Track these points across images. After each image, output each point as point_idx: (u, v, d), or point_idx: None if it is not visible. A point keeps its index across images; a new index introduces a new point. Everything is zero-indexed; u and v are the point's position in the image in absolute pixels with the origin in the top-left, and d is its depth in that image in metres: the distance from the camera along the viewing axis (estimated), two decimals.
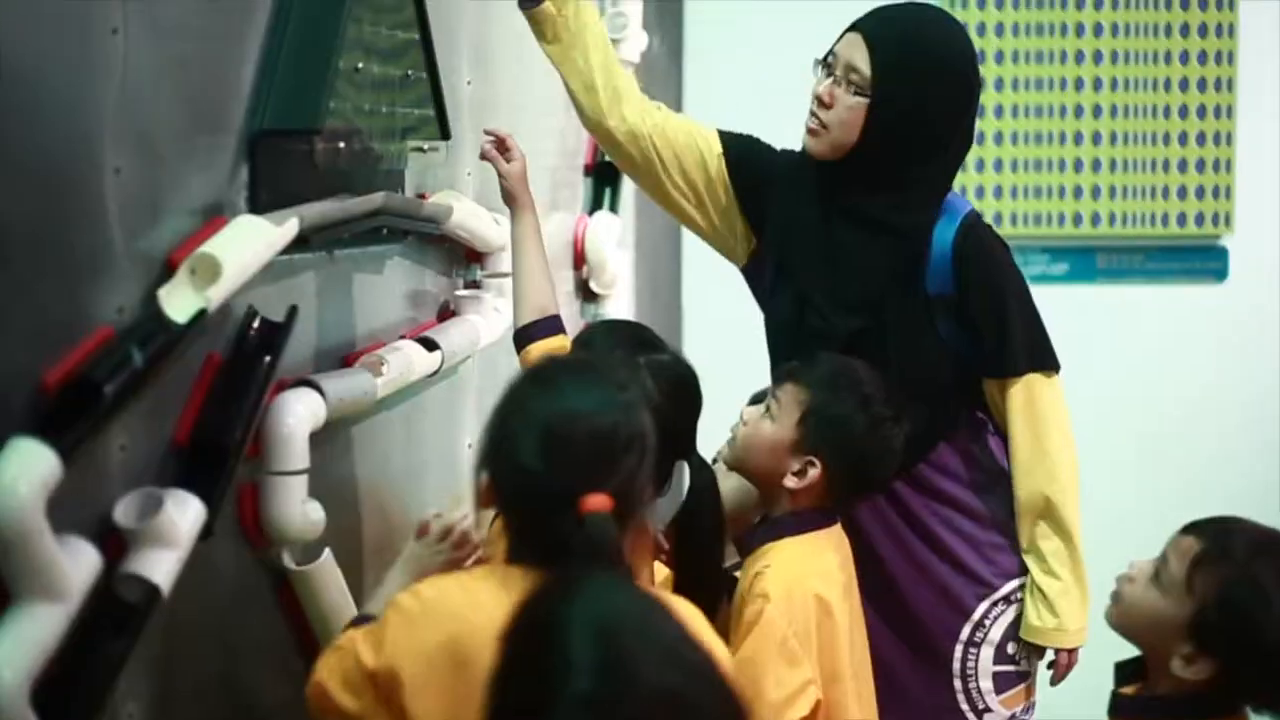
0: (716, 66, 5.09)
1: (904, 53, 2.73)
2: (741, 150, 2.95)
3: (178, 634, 2.13)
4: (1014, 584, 2.86)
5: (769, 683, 2.49)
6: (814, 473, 2.61)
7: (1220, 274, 5.09)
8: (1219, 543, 2.14)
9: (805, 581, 2.56)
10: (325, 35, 2.41)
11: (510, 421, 1.93)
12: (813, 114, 2.77)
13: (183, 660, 2.17)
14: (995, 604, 2.85)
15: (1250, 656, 2.10)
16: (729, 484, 2.75)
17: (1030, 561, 2.84)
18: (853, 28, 2.76)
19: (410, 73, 2.72)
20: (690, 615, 1.91)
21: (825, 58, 2.78)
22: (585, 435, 1.89)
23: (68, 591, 1.81)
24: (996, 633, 2.85)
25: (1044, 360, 2.82)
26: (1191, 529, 2.19)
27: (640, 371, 2.38)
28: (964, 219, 2.78)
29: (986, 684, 2.84)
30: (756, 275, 2.98)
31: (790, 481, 2.62)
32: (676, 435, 2.41)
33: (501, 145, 2.85)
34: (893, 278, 2.78)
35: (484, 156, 2.87)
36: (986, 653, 2.85)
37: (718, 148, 2.94)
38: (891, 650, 2.83)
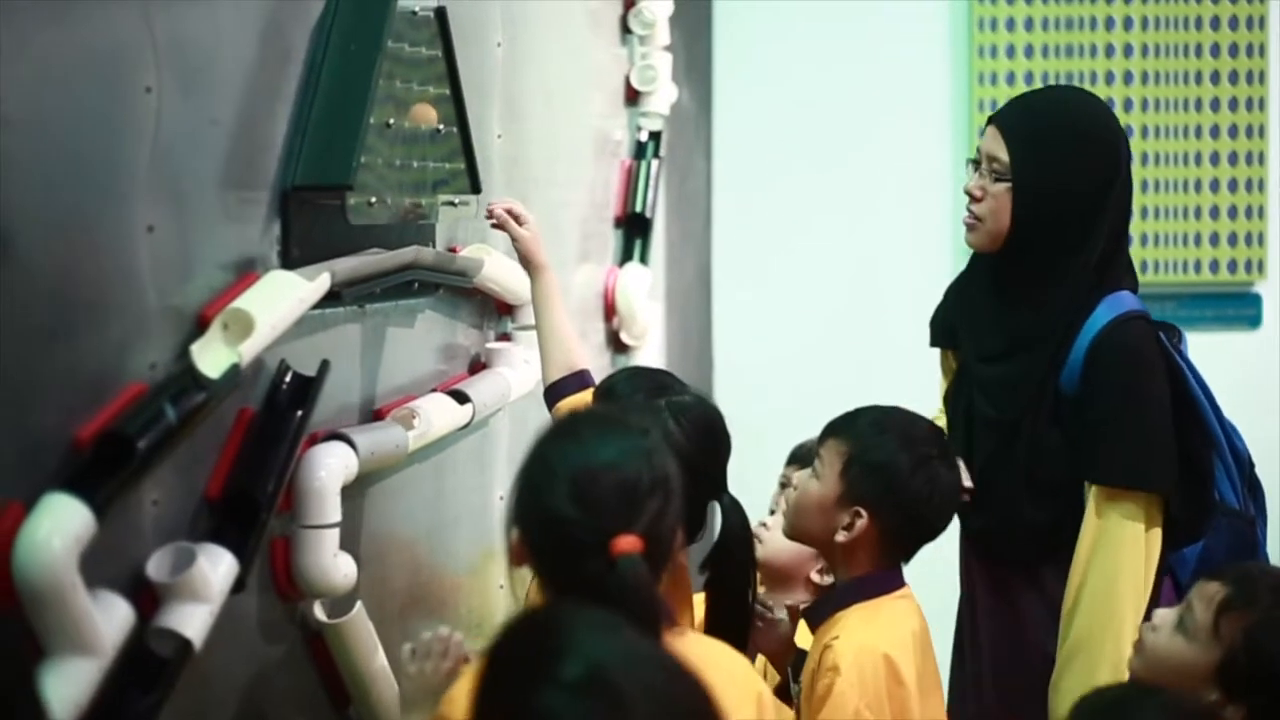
0: (746, 118, 5.11)
1: (1037, 130, 2.80)
2: (941, 328, 3.05)
3: (210, 688, 2.14)
4: None
5: None
6: (861, 523, 2.55)
7: (1254, 321, 5.07)
8: (1245, 588, 2.13)
9: (875, 647, 2.49)
10: (356, 91, 2.42)
11: (537, 475, 1.94)
12: (967, 209, 2.84)
13: (215, 714, 2.18)
14: None
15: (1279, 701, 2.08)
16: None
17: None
18: (990, 121, 2.84)
19: (441, 127, 2.74)
20: (731, 677, 1.95)
21: (974, 159, 2.86)
22: (612, 481, 1.90)
23: (100, 646, 1.82)
24: None
25: (1139, 478, 2.72)
26: (1216, 575, 2.19)
27: (662, 414, 2.41)
28: (1111, 322, 2.75)
29: None
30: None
31: (841, 536, 2.57)
32: (705, 475, 2.44)
33: (511, 212, 2.90)
34: (1040, 367, 2.78)
35: (497, 224, 2.90)
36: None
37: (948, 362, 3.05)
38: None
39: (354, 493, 2.45)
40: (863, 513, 2.56)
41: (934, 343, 3.05)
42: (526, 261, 2.93)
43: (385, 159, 2.53)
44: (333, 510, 2.34)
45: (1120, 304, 2.77)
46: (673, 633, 1.97)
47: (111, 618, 1.85)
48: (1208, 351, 4.96)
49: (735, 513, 2.58)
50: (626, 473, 1.92)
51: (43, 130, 1.83)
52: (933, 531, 2.65)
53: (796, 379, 4.93)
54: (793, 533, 2.70)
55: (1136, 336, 2.76)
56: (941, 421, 2.95)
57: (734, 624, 2.54)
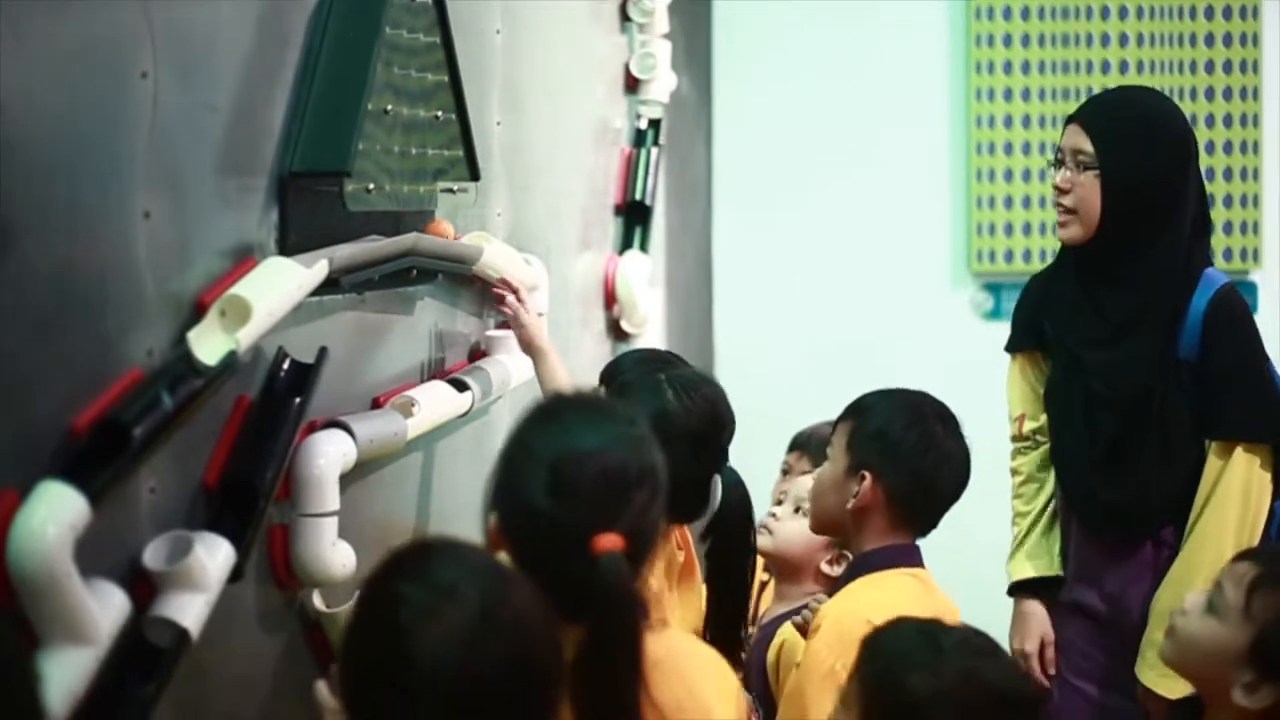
0: (745, 105, 5.10)
1: (1119, 122, 3.01)
2: (1026, 329, 3.18)
3: (207, 677, 2.12)
4: None
5: (813, 713, 2.44)
6: (865, 485, 2.59)
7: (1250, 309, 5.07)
8: (1276, 567, 2.14)
9: (858, 611, 2.46)
10: (354, 78, 2.41)
11: (517, 460, 1.86)
12: (1057, 205, 3.02)
13: (212, 704, 2.16)
14: None
15: None
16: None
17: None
18: (1070, 119, 3.03)
19: (440, 114, 2.72)
20: (711, 674, 2.00)
21: (1056, 157, 3.03)
22: (595, 472, 1.83)
23: (96, 635, 1.81)
24: None
25: (1261, 432, 2.93)
26: (1246, 556, 2.22)
27: (662, 387, 2.46)
28: (1220, 288, 2.97)
29: None
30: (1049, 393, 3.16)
31: (851, 503, 2.60)
32: (706, 447, 2.47)
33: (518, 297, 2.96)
34: (1155, 342, 2.97)
35: (505, 318, 2.98)
36: None
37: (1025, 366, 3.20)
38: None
39: (352, 481, 2.44)
40: (866, 475, 2.59)
41: (1016, 347, 3.17)
42: (529, 347, 2.98)
43: (383, 146, 2.51)
44: (331, 498, 2.33)
45: (1218, 276, 2.99)
46: (655, 630, 1.91)
47: (107, 607, 1.84)
48: None
49: (736, 486, 2.65)
50: (611, 463, 1.84)
51: (39, 117, 1.81)
52: (940, 496, 2.65)
53: (798, 366, 4.93)
54: (816, 524, 2.74)
55: (1243, 303, 3.01)
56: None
57: (731, 597, 2.62)
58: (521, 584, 1.65)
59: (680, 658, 2.00)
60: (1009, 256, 5.04)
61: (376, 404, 2.60)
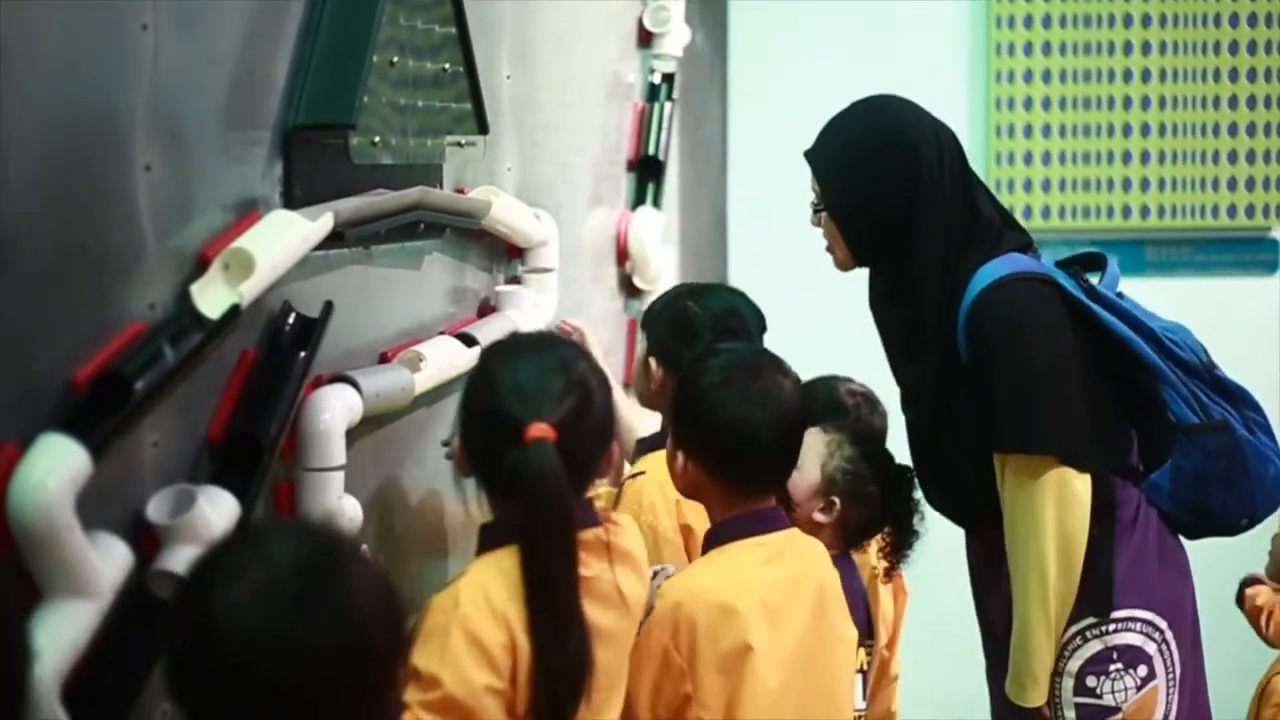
0: (761, 61, 5.07)
1: (828, 154, 2.94)
2: None
3: None
4: (1088, 620, 2.84)
5: (644, 688, 2.38)
6: (679, 465, 2.52)
7: (1271, 266, 5.04)
8: None
9: (701, 593, 2.41)
10: (359, 30, 2.40)
11: (475, 382, 2.24)
12: None
13: None
14: (1072, 636, 2.85)
15: None
16: None
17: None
18: (805, 155, 2.98)
19: (448, 67, 2.71)
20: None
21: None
22: (534, 370, 2.17)
23: (98, 589, 1.80)
24: (1075, 664, 2.85)
25: (1031, 441, 2.77)
26: None
27: (680, 300, 3.02)
28: (980, 291, 2.80)
29: (1070, 715, 2.85)
30: None
31: (681, 485, 2.56)
32: (735, 336, 2.93)
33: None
34: (934, 358, 2.86)
35: None
36: (1067, 684, 2.86)
37: None
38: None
39: (359, 436, 2.43)
40: (678, 453, 2.53)
41: None
42: None
43: (389, 99, 2.50)
44: (337, 453, 2.32)
45: (988, 274, 2.81)
46: (615, 526, 2.25)
47: (110, 560, 1.84)
48: (1224, 296, 4.97)
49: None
50: (547, 364, 2.19)
51: (37, 68, 1.80)
52: (764, 449, 2.51)
53: (812, 324, 4.91)
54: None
55: (1007, 302, 2.79)
56: None
57: None
58: (361, 562, 1.64)
59: (642, 553, 2.32)
60: (1028, 213, 5.01)
61: (384, 359, 2.59)
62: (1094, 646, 2.85)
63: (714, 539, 2.52)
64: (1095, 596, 2.83)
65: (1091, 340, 2.83)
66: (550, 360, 2.21)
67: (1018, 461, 2.78)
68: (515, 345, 2.33)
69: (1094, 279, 2.93)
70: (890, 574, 3.22)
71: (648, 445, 3.04)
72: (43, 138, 1.82)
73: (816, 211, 2.93)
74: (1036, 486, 2.76)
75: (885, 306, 2.95)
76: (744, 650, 2.39)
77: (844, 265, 2.97)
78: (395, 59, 2.51)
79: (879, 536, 3.06)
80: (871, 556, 3.11)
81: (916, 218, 2.85)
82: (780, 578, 2.47)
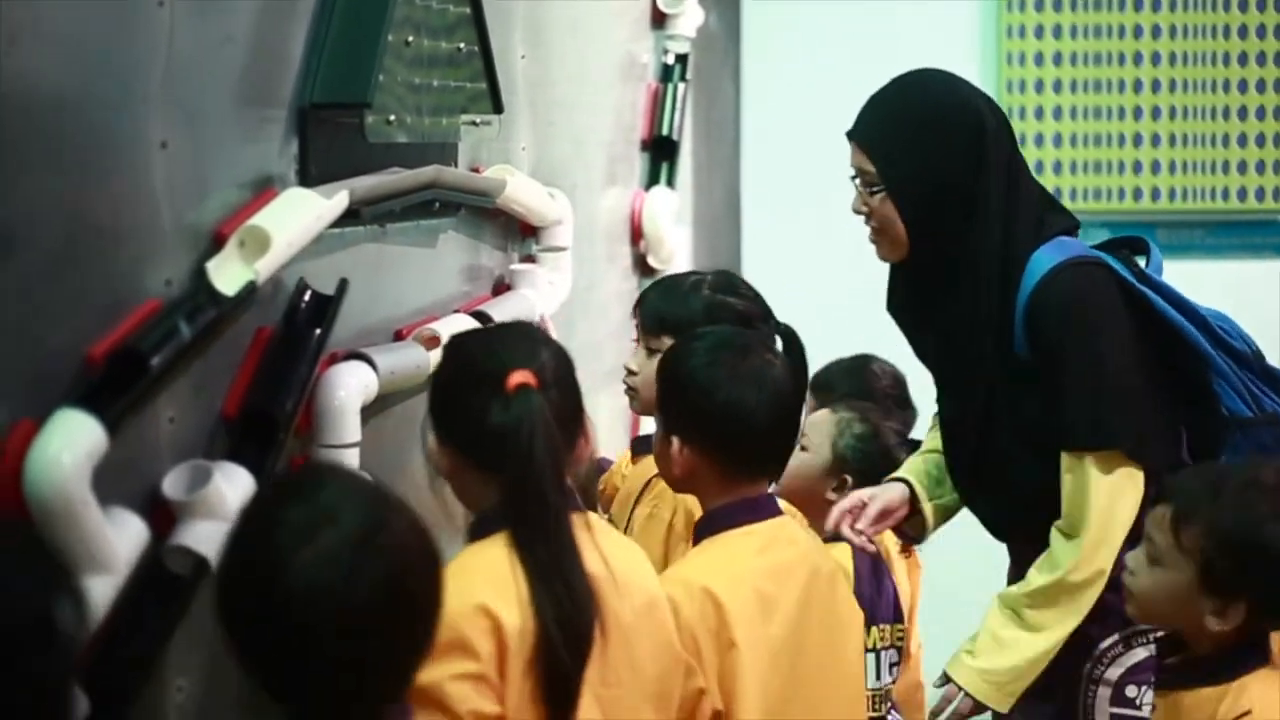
0: (774, 41, 5.07)
1: (886, 131, 2.73)
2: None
3: None
4: (1131, 628, 2.63)
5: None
6: (675, 450, 2.43)
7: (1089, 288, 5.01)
8: (1186, 498, 2.21)
9: (693, 586, 2.34)
10: (375, 9, 2.40)
11: (443, 367, 2.20)
12: (867, 226, 2.77)
13: None
14: (1114, 644, 2.67)
15: (1266, 575, 2.16)
16: None
17: (998, 600, 2.69)
18: (849, 135, 2.75)
19: (462, 47, 2.72)
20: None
21: (851, 176, 2.76)
22: (502, 334, 2.22)
23: (114, 563, 1.81)
24: (1113, 673, 2.67)
25: (1103, 436, 2.60)
26: (1158, 502, 2.25)
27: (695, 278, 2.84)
28: (1040, 279, 2.64)
29: None
30: None
31: (677, 471, 2.46)
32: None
33: None
34: (985, 350, 2.68)
35: None
36: (1102, 692, 2.68)
37: None
38: None
39: (374, 413, 2.44)
40: (673, 439, 2.44)
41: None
42: None
43: (404, 78, 2.51)
44: (352, 430, 2.33)
45: (1044, 260, 2.65)
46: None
47: (126, 535, 1.85)
48: (1234, 280, 4.95)
49: (793, 340, 2.65)
50: (517, 333, 2.20)
51: (53, 45, 1.81)
52: (760, 432, 2.45)
53: (826, 304, 4.91)
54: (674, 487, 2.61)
55: (1068, 289, 2.63)
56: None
57: None
58: (404, 511, 1.69)
59: (624, 545, 2.27)
60: None
61: (398, 336, 2.60)
62: (1138, 654, 2.66)
63: (707, 527, 2.46)
64: None
65: (1144, 327, 2.66)
66: (518, 326, 2.27)
67: (1084, 457, 2.59)
68: (477, 327, 2.41)
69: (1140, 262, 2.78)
70: (906, 550, 3.24)
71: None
72: (59, 115, 1.82)
73: (874, 193, 2.70)
74: (1106, 484, 2.58)
75: (934, 300, 2.74)
76: (729, 645, 2.34)
77: (895, 252, 2.75)
78: (410, 38, 2.51)
79: None
80: (888, 536, 3.11)
81: (980, 193, 2.67)
82: (772, 566, 2.43)
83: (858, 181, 2.74)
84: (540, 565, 2.04)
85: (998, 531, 2.81)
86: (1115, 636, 2.66)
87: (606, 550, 2.13)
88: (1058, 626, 2.62)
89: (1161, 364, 2.67)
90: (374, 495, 1.70)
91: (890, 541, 3.17)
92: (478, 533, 2.11)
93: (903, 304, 2.83)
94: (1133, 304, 2.65)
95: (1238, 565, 2.15)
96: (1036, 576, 2.63)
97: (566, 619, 2.03)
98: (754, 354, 2.46)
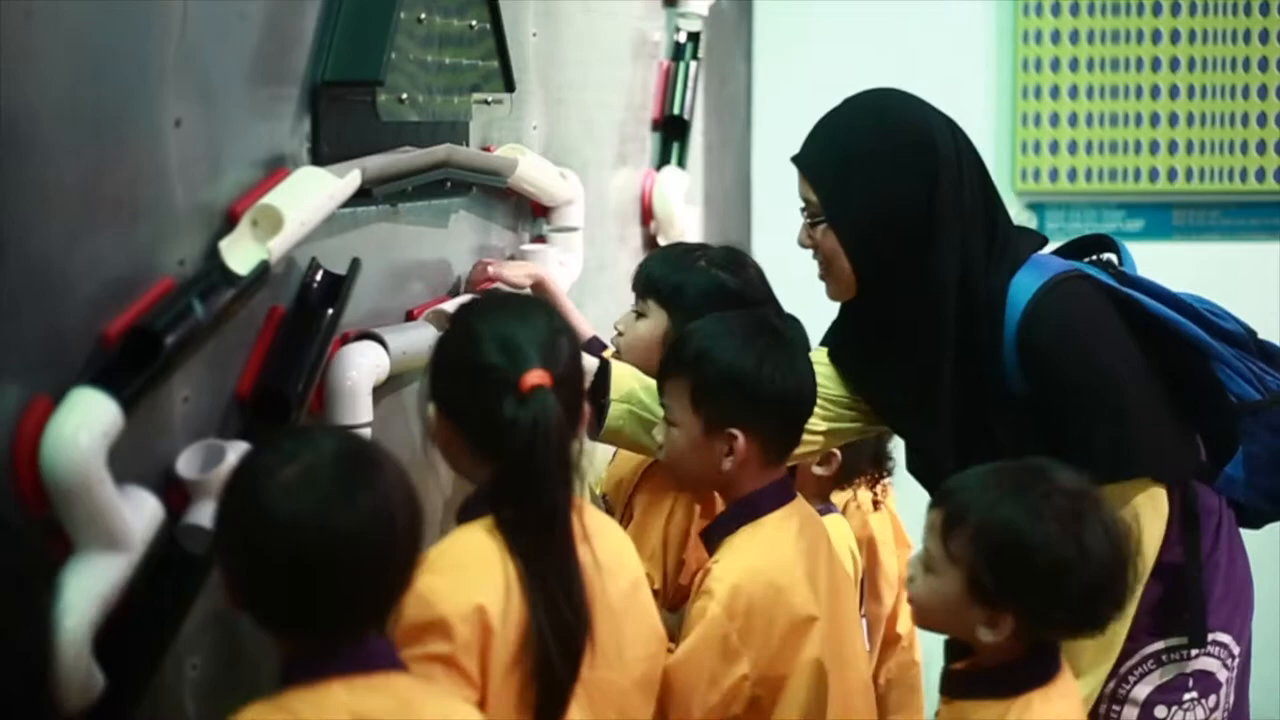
0: (785, 19, 5.05)
1: (829, 158, 2.55)
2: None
3: None
4: (1164, 644, 2.53)
5: (704, 681, 2.34)
6: (739, 444, 2.40)
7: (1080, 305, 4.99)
8: (953, 505, 2.07)
9: (756, 573, 2.36)
10: None
11: (452, 341, 2.15)
12: (815, 261, 2.62)
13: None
14: (1143, 660, 2.53)
15: (1030, 586, 2.02)
16: None
17: None
18: (792, 161, 2.60)
19: (474, 24, 2.71)
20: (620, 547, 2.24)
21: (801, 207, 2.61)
22: (516, 320, 2.09)
23: (129, 541, 1.82)
24: (1141, 691, 2.53)
25: (1126, 467, 2.43)
26: (932, 506, 2.12)
27: (693, 255, 2.80)
28: (1032, 297, 2.47)
29: None
30: None
31: (728, 465, 2.42)
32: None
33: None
34: (963, 395, 2.52)
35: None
36: (1129, 713, 2.54)
37: None
38: None
39: (386, 393, 2.44)
40: (736, 433, 2.40)
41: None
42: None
43: (416, 56, 2.50)
44: (364, 410, 2.33)
45: (1025, 287, 2.48)
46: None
47: (141, 513, 1.85)
48: (1251, 261, 4.94)
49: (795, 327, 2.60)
50: (531, 320, 2.10)
51: (68, 23, 1.80)
52: (802, 415, 2.47)
53: None
54: (686, 485, 2.61)
55: (1058, 312, 2.47)
56: None
57: None
58: (389, 456, 1.82)
59: (608, 526, 2.27)
60: (1054, 175, 5.00)
61: (410, 317, 2.60)
62: (1169, 672, 2.54)
63: (749, 513, 2.44)
64: (1186, 619, 2.52)
65: (1139, 331, 2.51)
66: (530, 308, 2.16)
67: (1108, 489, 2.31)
68: (489, 300, 2.34)
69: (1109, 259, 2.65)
70: (878, 503, 3.27)
71: None
72: (73, 92, 1.82)
73: (814, 224, 2.54)
74: (1132, 515, 2.38)
75: (894, 338, 2.55)
76: (805, 622, 2.37)
77: (844, 291, 2.57)
78: (422, 16, 2.51)
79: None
80: (860, 497, 3.16)
81: (935, 224, 2.48)
82: (810, 544, 2.46)
83: (805, 217, 2.58)
84: (537, 568, 2.04)
85: None
86: (1144, 653, 2.53)
87: (592, 530, 2.13)
88: (1097, 669, 2.48)
89: (1164, 365, 2.52)
90: (359, 440, 1.87)
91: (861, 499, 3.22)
92: (473, 512, 2.10)
93: (849, 346, 2.66)
94: (1123, 310, 2.52)
95: (1001, 577, 2.02)
96: None
97: (563, 626, 2.03)
98: (778, 333, 2.46)
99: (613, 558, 2.18)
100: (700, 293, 2.72)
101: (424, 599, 1.96)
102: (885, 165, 2.51)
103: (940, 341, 2.51)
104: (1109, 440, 2.43)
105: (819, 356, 2.66)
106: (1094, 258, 2.65)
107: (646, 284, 2.80)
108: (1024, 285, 2.49)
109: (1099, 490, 2.09)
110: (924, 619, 2.15)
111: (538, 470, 2.03)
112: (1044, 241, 2.62)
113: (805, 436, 2.55)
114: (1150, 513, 2.45)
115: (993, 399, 2.50)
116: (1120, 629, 2.42)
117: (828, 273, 2.58)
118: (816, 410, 2.57)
